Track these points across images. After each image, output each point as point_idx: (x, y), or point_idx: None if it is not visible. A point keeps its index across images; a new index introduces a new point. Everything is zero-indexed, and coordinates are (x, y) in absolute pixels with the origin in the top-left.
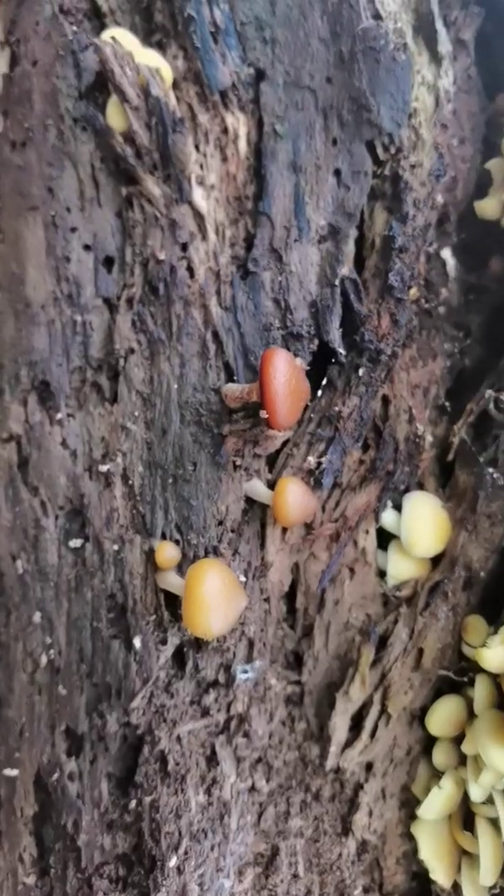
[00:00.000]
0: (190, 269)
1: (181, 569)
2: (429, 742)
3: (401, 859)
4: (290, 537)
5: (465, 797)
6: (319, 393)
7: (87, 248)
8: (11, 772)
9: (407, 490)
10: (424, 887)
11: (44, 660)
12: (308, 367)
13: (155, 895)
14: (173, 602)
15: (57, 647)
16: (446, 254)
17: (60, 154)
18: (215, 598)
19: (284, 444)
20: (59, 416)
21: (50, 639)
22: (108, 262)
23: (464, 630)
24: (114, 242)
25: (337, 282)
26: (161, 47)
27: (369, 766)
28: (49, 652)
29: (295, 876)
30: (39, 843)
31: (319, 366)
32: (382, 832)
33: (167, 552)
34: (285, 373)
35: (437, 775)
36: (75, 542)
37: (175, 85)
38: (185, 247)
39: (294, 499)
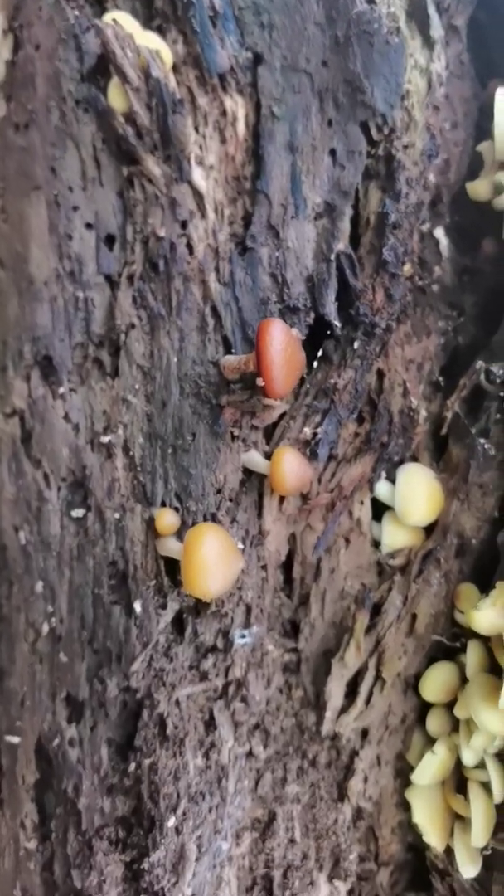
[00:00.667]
0: (189, 246)
1: (180, 536)
2: (423, 711)
3: (396, 829)
4: (287, 507)
5: (458, 764)
6: (315, 366)
7: (88, 226)
8: (13, 739)
9: (401, 462)
10: (420, 859)
11: (45, 629)
12: (304, 339)
13: (154, 853)
14: (173, 569)
15: (58, 616)
16: (439, 233)
17: (63, 135)
18: (213, 560)
19: (281, 417)
20: (61, 390)
21: (52, 608)
22: (110, 240)
23: (456, 598)
24: (115, 221)
25: (333, 257)
26: (161, 32)
27: (365, 734)
28: (50, 620)
29: (291, 841)
30: (41, 809)
31: (316, 340)
32: (377, 800)
33: (167, 519)
34: (281, 341)
35: (431, 743)
36: (77, 513)
37: (175, 69)
38: (184, 224)
39: (290, 467)
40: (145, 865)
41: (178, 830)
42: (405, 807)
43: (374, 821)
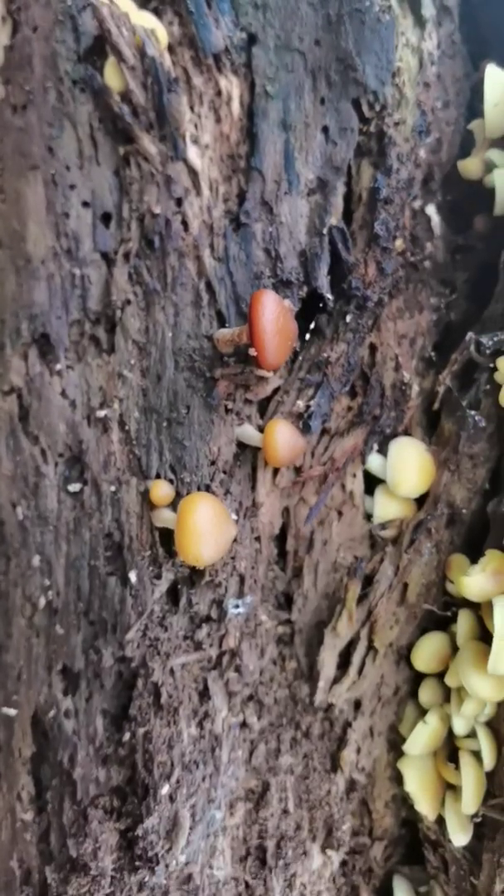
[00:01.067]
0: (184, 223)
1: (175, 507)
2: (416, 684)
3: (390, 803)
4: (281, 481)
5: (450, 736)
6: (308, 340)
7: (85, 204)
8: (10, 711)
9: (393, 436)
10: (414, 834)
11: (42, 602)
12: (297, 312)
13: (147, 820)
14: (168, 541)
15: (55, 589)
16: (431, 210)
17: (60, 115)
18: (206, 527)
19: (276, 391)
20: (58, 367)
21: (48, 581)
22: (106, 218)
23: (448, 568)
24: (111, 199)
25: (325, 231)
26: (157, 13)
27: (357, 705)
28: (47, 594)
29: (285, 811)
30: (37, 782)
31: (309, 314)
32: (370, 772)
33: (161, 490)
34: (273, 311)
35: (423, 715)
36: (74, 487)
37: (171, 50)
38: (179, 202)
39: (283, 438)
40: (139, 832)
41: (171, 798)
42: (399, 781)
43: (368, 794)
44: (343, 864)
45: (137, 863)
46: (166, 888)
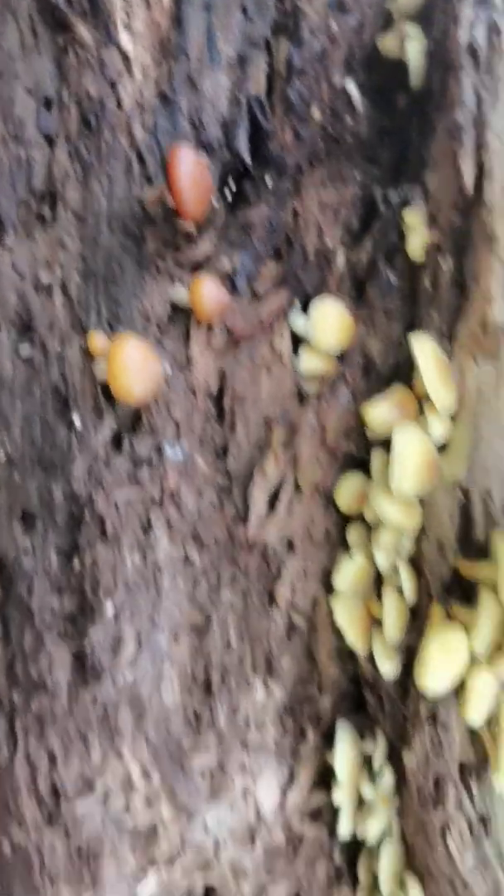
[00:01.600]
0: (118, 103)
1: None
2: (345, 531)
3: (334, 655)
4: (214, 341)
5: (379, 580)
6: (233, 205)
7: (28, 91)
8: None
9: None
10: (361, 691)
11: (2, 456)
12: (221, 177)
13: (93, 632)
14: (110, 393)
15: (13, 444)
16: (351, 87)
17: (3, 9)
18: (134, 364)
19: (207, 260)
20: (8, 243)
21: (7, 437)
22: (48, 103)
23: (364, 414)
24: (52, 85)
25: (244, 101)
26: None
27: (290, 546)
28: (6, 447)
29: (228, 645)
30: (5, 623)
31: (234, 181)
32: (310, 616)
33: (98, 340)
34: (188, 163)
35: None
36: (24, 350)
37: None
38: (113, 84)
39: (208, 291)
40: (86, 646)
41: (116, 618)
42: (341, 635)
43: (313, 642)
44: (291, 710)
45: (88, 676)
46: (116, 702)
